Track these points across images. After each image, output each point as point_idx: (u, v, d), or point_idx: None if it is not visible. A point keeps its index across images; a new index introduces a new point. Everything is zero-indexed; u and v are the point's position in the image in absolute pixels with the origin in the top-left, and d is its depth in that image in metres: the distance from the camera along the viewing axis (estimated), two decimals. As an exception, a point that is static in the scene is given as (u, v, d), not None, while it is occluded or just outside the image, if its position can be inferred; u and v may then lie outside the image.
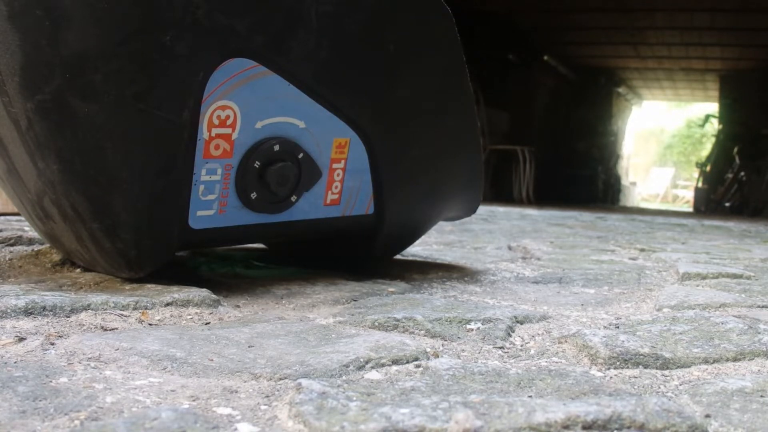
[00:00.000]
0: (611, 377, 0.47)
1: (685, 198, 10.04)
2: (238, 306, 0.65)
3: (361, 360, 0.46)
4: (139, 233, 0.64)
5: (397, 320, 0.57)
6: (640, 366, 0.49)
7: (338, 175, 0.74)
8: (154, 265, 0.67)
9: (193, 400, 0.38)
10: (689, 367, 0.49)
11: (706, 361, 0.50)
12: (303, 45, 0.67)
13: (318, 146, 0.71)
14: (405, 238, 0.87)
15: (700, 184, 6.35)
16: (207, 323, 0.57)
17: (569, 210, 3.59)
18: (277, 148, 0.68)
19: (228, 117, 0.65)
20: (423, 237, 1.21)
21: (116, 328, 0.54)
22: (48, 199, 0.65)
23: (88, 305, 0.57)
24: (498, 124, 5.54)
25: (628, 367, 0.49)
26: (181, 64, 0.61)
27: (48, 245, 0.82)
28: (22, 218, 1.12)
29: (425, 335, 0.55)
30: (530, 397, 0.40)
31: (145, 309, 0.59)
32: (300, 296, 0.69)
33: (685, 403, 0.41)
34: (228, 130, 0.65)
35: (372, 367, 0.45)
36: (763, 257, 1.26)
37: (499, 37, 5.72)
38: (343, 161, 0.74)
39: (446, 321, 0.59)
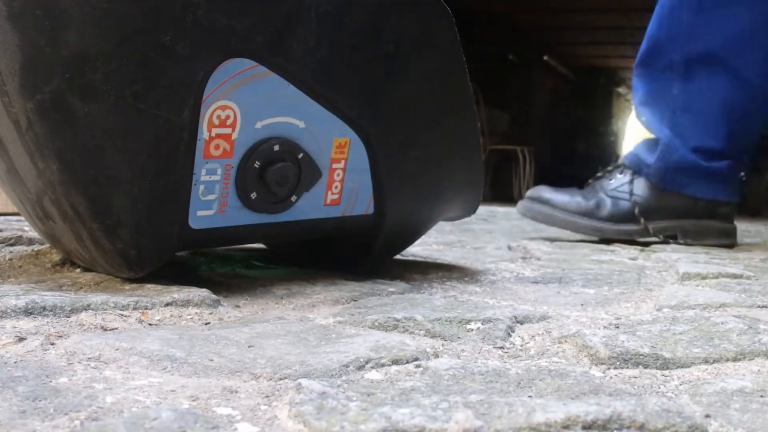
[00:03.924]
0: (611, 377, 0.47)
1: (685, 198, 10.02)
2: (238, 306, 0.65)
3: (361, 360, 0.46)
4: (139, 233, 0.64)
5: (397, 320, 0.57)
6: (640, 366, 0.49)
7: (338, 175, 0.74)
8: (154, 265, 0.67)
9: (193, 400, 0.38)
10: (689, 367, 0.49)
11: (706, 361, 0.50)
12: (303, 45, 0.67)
13: (318, 146, 0.71)
14: (405, 238, 0.87)
15: (700, 184, 6.33)
16: (207, 323, 0.57)
17: (569, 210, 3.59)
18: (277, 148, 0.68)
19: (228, 117, 0.65)
20: (423, 237, 1.21)
21: (116, 328, 0.54)
22: (48, 199, 0.65)
23: (88, 305, 0.58)
24: (498, 124, 5.54)
25: (628, 367, 0.49)
26: (181, 64, 0.61)
27: (48, 245, 0.82)
28: (22, 218, 1.12)
29: (425, 335, 0.55)
30: (530, 397, 0.40)
31: (145, 309, 0.59)
32: (300, 296, 0.69)
33: (685, 403, 0.41)
34: (228, 130, 0.65)
35: (372, 367, 0.45)
36: (763, 257, 1.26)
37: (499, 37, 5.72)
38: (343, 161, 0.74)
39: (446, 321, 0.59)
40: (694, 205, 1.44)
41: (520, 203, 1.50)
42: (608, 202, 1.44)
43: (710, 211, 1.44)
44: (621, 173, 1.49)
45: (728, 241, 1.45)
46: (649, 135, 1.50)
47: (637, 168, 1.47)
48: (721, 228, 1.45)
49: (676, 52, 1.43)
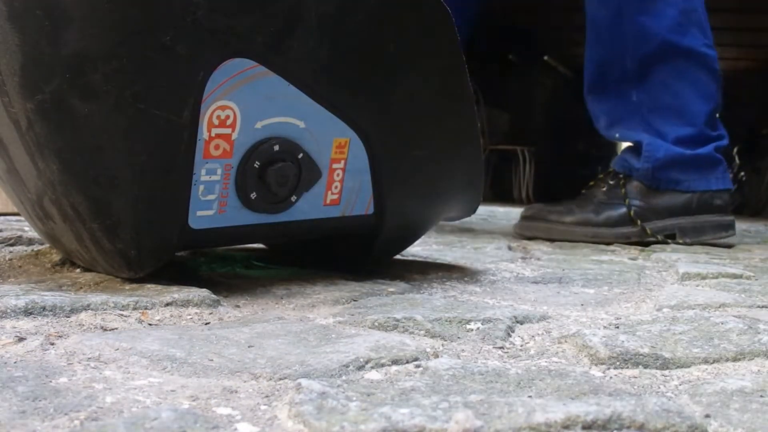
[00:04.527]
0: (611, 377, 0.47)
1: (685, 198, 10.02)
2: (238, 306, 0.65)
3: (361, 360, 0.46)
4: (139, 233, 0.64)
5: (397, 320, 0.57)
6: (640, 366, 0.49)
7: (338, 175, 0.74)
8: (154, 265, 0.67)
9: (193, 400, 0.38)
10: (689, 367, 0.50)
11: (705, 361, 0.50)
12: (303, 45, 0.67)
13: (318, 146, 0.71)
14: (405, 238, 0.87)
15: (700, 184, 6.32)
16: (207, 323, 0.57)
17: (569, 210, 3.58)
18: (277, 148, 0.68)
19: (228, 117, 0.65)
20: (423, 237, 1.21)
21: (116, 328, 0.54)
22: (48, 199, 0.65)
23: (88, 305, 0.58)
24: (498, 124, 5.54)
25: (628, 367, 0.49)
26: (181, 64, 0.61)
27: (48, 245, 0.82)
28: (22, 218, 1.12)
29: (425, 335, 0.56)
30: (530, 397, 0.40)
31: (145, 309, 0.59)
32: (300, 296, 0.69)
33: (685, 403, 0.41)
34: (228, 130, 0.65)
35: (372, 367, 0.45)
36: (763, 257, 1.26)
37: (499, 37, 5.71)
38: (343, 161, 0.74)
39: (446, 321, 0.59)
40: (689, 201, 1.44)
41: (517, 224, 1.50)
42: (603, 207, 1.45)
43: (706, 205, 1.44)
44: (612, 179, 1.49)
45: (727, 233, 1.44)
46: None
47: (628, 172, 1.47)
48: (719, 221, 1.45)
49: (628, 60, 1.47)
